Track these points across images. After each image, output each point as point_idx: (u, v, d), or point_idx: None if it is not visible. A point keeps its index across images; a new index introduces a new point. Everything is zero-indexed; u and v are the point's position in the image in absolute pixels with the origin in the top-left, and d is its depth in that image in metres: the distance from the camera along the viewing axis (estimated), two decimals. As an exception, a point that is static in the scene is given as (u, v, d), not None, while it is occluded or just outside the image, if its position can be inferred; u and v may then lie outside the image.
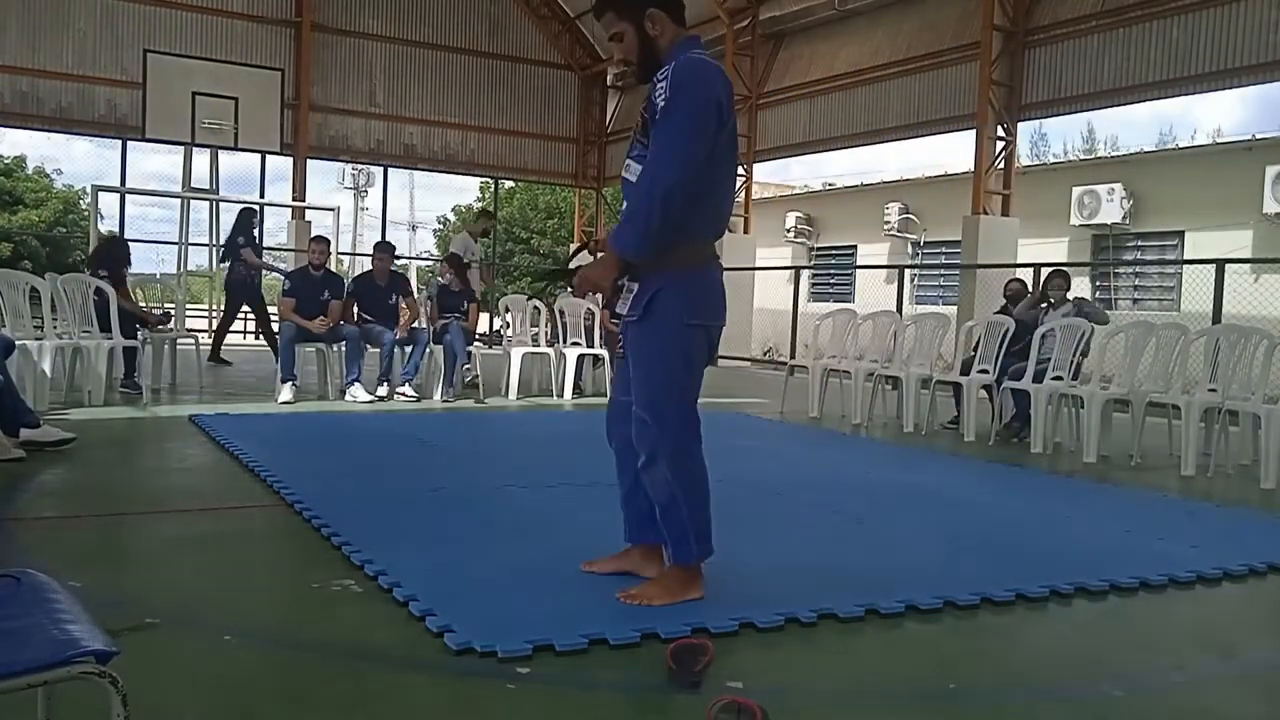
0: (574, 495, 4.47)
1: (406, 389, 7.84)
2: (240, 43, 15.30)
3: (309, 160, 15.99)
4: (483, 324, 10.11)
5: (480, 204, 34.40)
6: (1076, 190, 14.83)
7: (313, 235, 8.56)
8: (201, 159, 14.56)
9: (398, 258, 9.93)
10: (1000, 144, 11.54)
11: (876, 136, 13.82)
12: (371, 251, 8.65)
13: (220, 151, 14.35)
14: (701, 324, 2.72)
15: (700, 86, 2.57)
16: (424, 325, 8.32)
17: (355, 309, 7.97)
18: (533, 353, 9.00)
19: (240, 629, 2.56)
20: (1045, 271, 8.98)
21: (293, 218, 15.61)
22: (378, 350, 7.88)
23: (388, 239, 9.06)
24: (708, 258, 2.76)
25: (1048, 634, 2.91)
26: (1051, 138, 44.91)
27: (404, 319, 8.04)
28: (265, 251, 12.52)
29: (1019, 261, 10.90)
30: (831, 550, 3.62)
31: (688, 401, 2.75)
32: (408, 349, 7.96)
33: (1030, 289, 7.87)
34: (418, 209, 58.16)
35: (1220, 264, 8.03)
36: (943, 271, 17.14)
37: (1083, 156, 21.43)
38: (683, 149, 2.53)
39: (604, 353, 9.09)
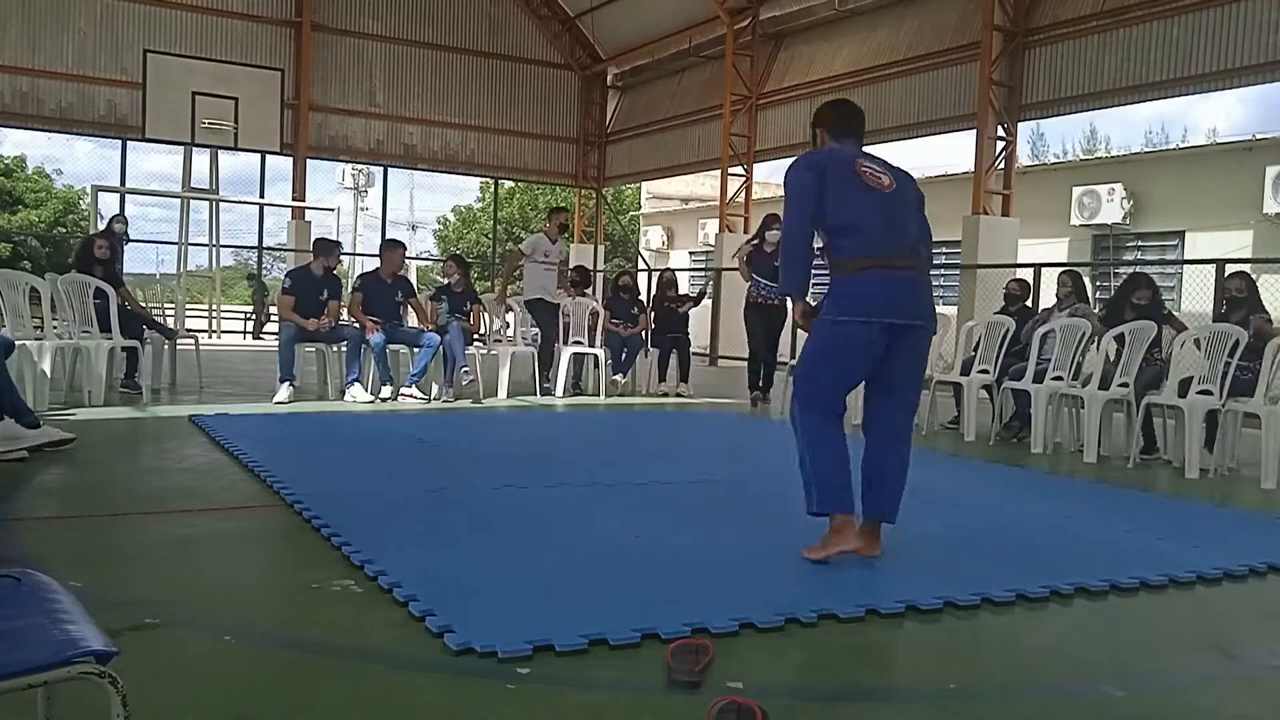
0: (574, 495, 4.46)
1: (414, 390, 7.85)
2: (240, 43, 15.31)
3: (309, 160, 16.00)
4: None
5: (481, 204, 34.43)
6: (1076, 190, 14.84)
7: (320, 239, 8.52)
8: (201, 159, 14.59)
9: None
10: (1000, 144, 11.54)
11: (877, 136, 13.79)
12: (380, 250, 8.65)
13: (220, 151, 14.38)
14: (848, 320, 3.30)
15: (791, 172, 3.46)
16: (424, 326, 8.33)
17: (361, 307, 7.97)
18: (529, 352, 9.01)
19: (240, 629, 2.55)
20: (1046, 272, 8.98)
21: (293, 218, 15.61)
22: (415, 350, 7.95)
23: (389, 238, 9.05)
24: (859, 268, 3.33)
25: (1048, 634, 2.91)
26: (1051, 138, 44.89)
27: (417, 319, 8.07)
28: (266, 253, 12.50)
29: (1019, 261, 10.90)
30: (831, 550, 3.61)
31: (815, 380, 3.40)
32: (414, 350, 7.98)
33: (1030, 289, 7.88)
34: (418, 209, 58.17)
35: (1220, 264, 8.03)
36: (943, 271, 17.14)
37: (1083, 156, 21.42)
38: (786, 221, 3.50)
39: (604, 353, 9.10)
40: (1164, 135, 32.53)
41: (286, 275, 8.06)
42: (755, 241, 8.50)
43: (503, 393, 8.40)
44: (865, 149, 3.59)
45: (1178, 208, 13.95)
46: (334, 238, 8.79)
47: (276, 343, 7.86)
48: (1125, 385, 6.23)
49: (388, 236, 10.44)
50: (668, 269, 11.51)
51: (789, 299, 3.64)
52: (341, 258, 9.15)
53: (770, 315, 8.45)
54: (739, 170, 14.97)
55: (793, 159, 3.54)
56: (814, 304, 3.53)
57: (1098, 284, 14.66)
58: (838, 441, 3.36)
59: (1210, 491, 5.30)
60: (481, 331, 8.87)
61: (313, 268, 7.90)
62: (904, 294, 3.33)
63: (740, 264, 8.54)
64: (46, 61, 14.28)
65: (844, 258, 3.36)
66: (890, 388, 3.42)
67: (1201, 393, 5.82)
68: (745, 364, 8.95)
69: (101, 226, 14.79)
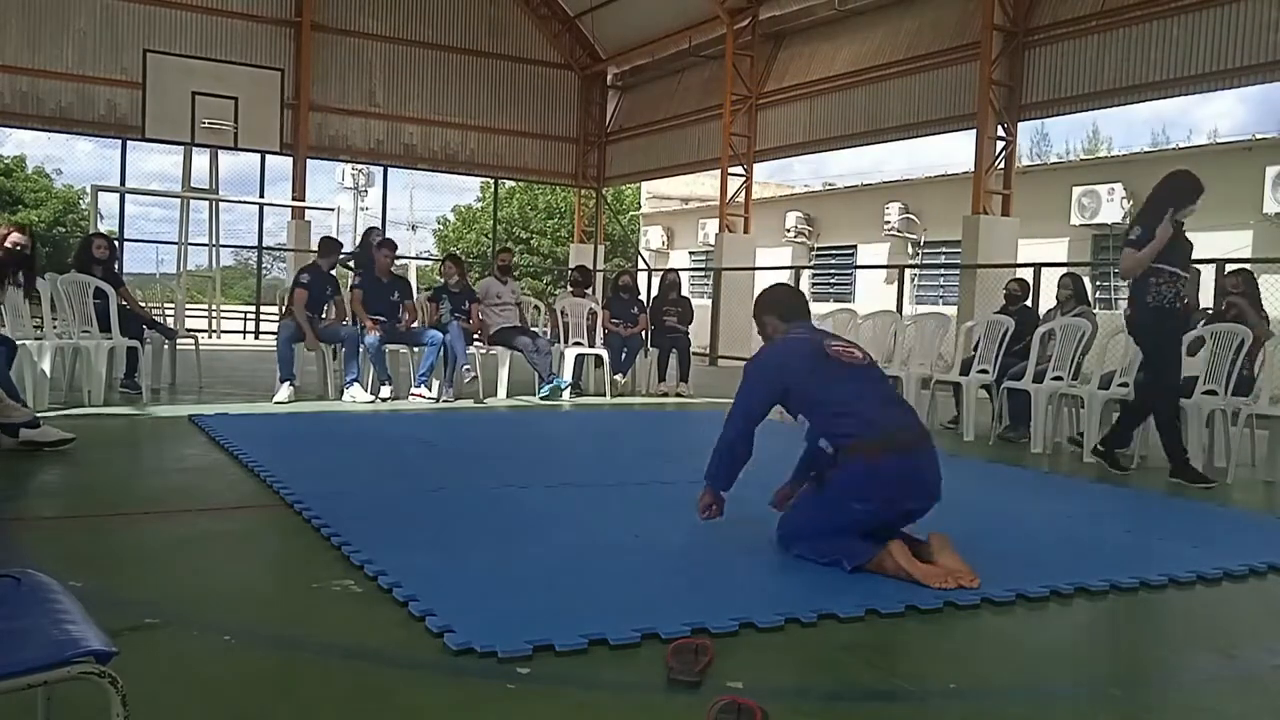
0: (574, 495, 4.46)
1: (422, 390, 7.84)
2: (240, 43, 15.30)
3: (309, 160, 15.99)
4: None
5: (481, 204, 34.42)
6: (1076, 190, 14.85)
7: (325, 237, 8.55)
8: (201, 159, 14.58)
9: (398, 257, 9.93)
10: (1000, 144, 11.54)
11: (876, 136, 13.82)
12: (374, 248, 8.65)
13: (220, 151, 14.37)
14: (861, 506, 3.26)
15: (752, 366, 3.65)
16: (424, 326, 8.32)
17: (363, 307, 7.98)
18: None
19: (240, 629, 2.55)
20: (1046, 272, 8.98)
21: (293, 218, 15.61)
22: (416, 350, 7.97)
23: (388, 238, 9.04)
24: (868, 453, 3.28)
25: (1048, 634, 2.91)
26: (1054, 138, 44.91)
27: (405, 320, 8.06)
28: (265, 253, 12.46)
29: (1019, 261, 10.90)
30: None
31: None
32: (416, 350, 7.98)
33: (1030, 289, 7.88)
34: (418, 209, 58.10)
35: (1220, 264, 8.03)
36: (943, 271, 17.15)
37: (1083, 156, 21.43)
38: (734, 414, 3.60)
39: (604, 353, 9.10)
40: (1164, 136, 32.55)
41: (302, 271, 8.00)
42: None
43: (502, 393, 8.40)
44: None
45: (1178, 208, 13.94)
46: (336, 237, 8.79)
47: (275, 342, 7.86)
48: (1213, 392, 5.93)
49: (384, 236, 10.38)
50: (671, 270, 11.43)
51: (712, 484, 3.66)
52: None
53: None
54: (739, 170, 14.97)
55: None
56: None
57: (1098, 284, 14.66)
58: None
59: (1211, 492, 5.29)
60: (481, 331, 8.87)
61: (321, 265, 7.94)
62: (910, 475, 3.32)
63: None
64: (46, 61, 14.27)
65: (853, 442, 3.31)
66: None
67: (1207, 392, 5.83)
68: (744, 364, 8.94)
69: (101, 226, 14.85)
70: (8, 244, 5.32)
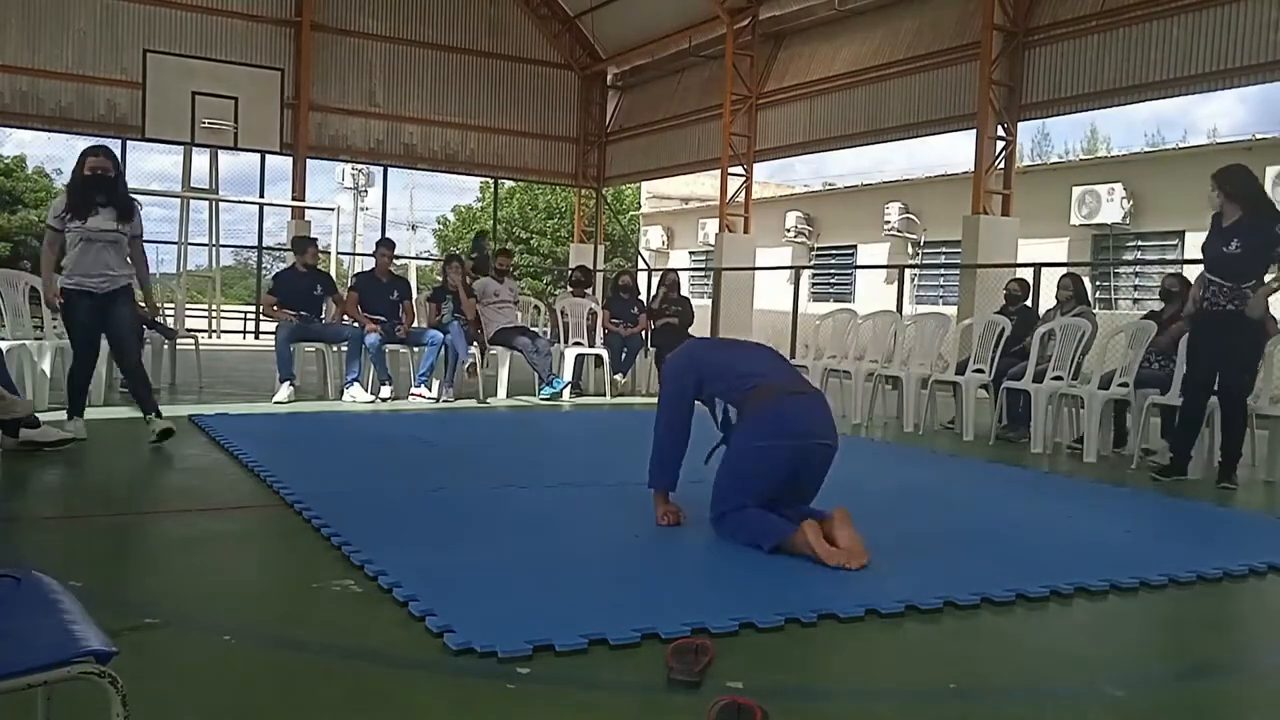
0: (574, 495, 4.47)
1: (422, 390, 7.85)
2: (240, 42, 15.30)
3: (309, 160, 15.99)
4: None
5: (481, 204, 34.42)
6: (1076, 190, 14.84)
7: (296, 236, 8.65)
8: (201, 159, 14.58)
9: (398, 257, 9.94)
10: (1000, 144, 11.53)
11: (876, 136, 13.81)
12: (374, 249, 8.67)
13: (220, 151, 14.36)
14: (766, 444, 3.49)
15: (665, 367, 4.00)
16: (423, 326, 8.33)
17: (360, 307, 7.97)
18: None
19: (240, 629, 2.55)
20: (1045, 272, 8.98)
21: (292, 217, 15.60)
22: (416, 350, 7.98)
23: (387, 238, 9.04)
24: (766, 397, 3.56)
25: (1048, 634, 2.91)
26: (1054, 138, 44.91)
27: (404, 322, 8.07)
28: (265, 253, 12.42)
29: (1019, 261, 10.90)
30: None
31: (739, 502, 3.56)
32: (416, 350, 7.98)
33: (1030, 289, 7.88)
34: (418, 209, 58.18)
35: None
36: (943, 271, 17.15)
37: (1083, 157, 21.44)
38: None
39: (604, 353, 9.10)
40: (1161, 136, 32.54)
41: (272, 277, 8.15)
42: None
43: (503, 393, 8.40)
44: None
45: (1178, 208, 13.95)
46: (309, 235, 8.84)
47: (274, 342, 7.86)
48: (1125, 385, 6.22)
49: (383, 236, 10.40)
50: (670, 270, 11.37)
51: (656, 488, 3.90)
52: (342, 258, 9.16)
53: None
54: (739, 170, 14.96)
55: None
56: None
57: (1098, 284, 14.66)
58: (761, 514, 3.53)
59: (1211, 491, 5.29)
60: (481, 331, 8.87)
61: (297, 266, 7.95)
62: (804, 415, 3.56)
63: None
64: (46, 61, 14.27)
65: (743, 400, 3.58)
66: (798, 499, 3.61)
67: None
68: None
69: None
70: (87, 170, 5.17)
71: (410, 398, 7.80)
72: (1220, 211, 5.06)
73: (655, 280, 10.78)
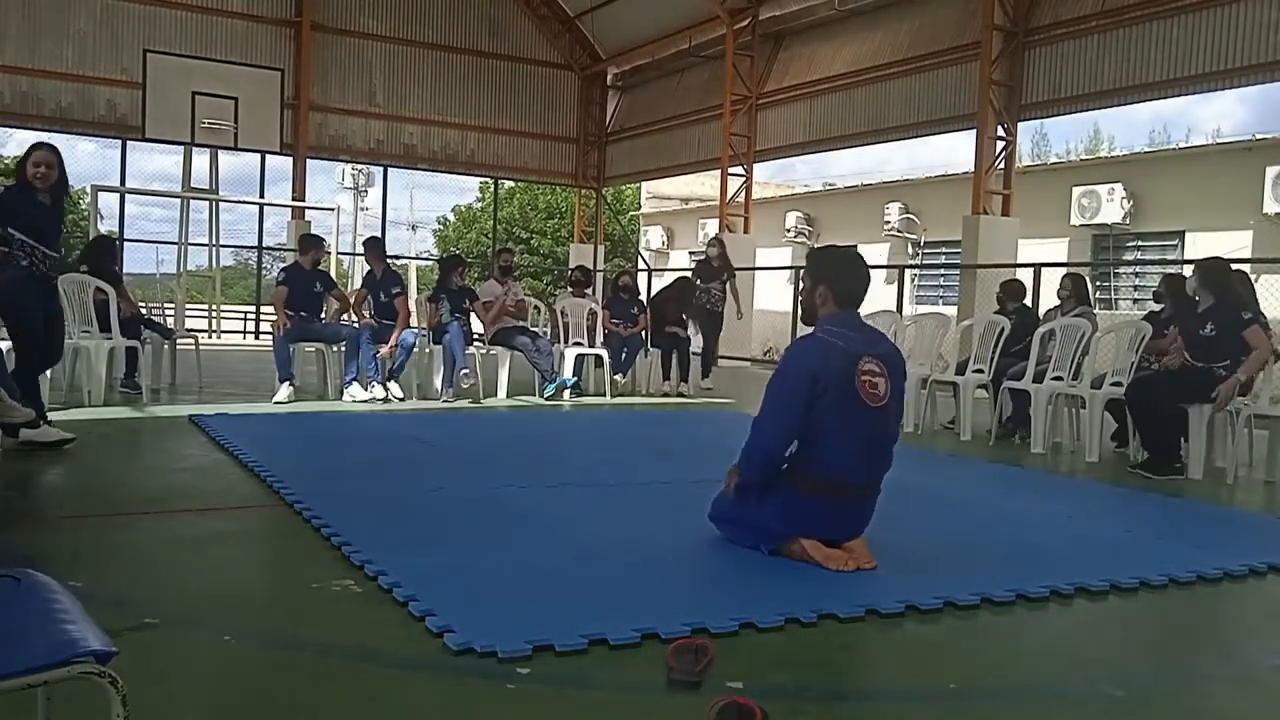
0: (574, 495, 4.47)
1: (355, 390, 7.54)
2: (240, 43, 15.30)
3: (309, 160, 15.99)
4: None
5: (481, 204, 34.41)
6: (1076, 190, 14.84)
7: (305, 234, 8.59)
8: (201, 159, 14.58)
9: (396, 257, 9.93)
10: (1000, 144, 11.54)
11: (876, 136, 13.82)
12: (363, 249, 8.64)
13: (220, 151, 14.37)
14: (785, 530, 3.32)
15: (786, 367, 3.35)
16: (423, 326, 8.32)
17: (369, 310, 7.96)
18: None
19: (240, 629, 2.56)
20: (1045, 272, 8.97)
21: (293, 218, 15.61)
22: (336, 347, 7.87)
23: (386, 238, 9.05)
24: (811, 490, 3.27)
25: (1048, 634, 2.91)
26: (1053, 138, 44.92)
27: (399, 317, 8.05)
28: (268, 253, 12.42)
29: (1019, 261, 10.90)
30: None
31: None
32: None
33: (1022, 292, 7.88)
34: (418, 209, 58.17)
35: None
36: (943, 271, 17.16)
37: (1083, 156, 21.44)
38: (763, 428, 3.34)
39: (604, 353, 9.10)
40: (1165, 135, 32.54)
41: (281, 270, 8.08)
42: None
43: (503, 393, 8.40)
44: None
45: (1178, 208, 13.96)
46: (318, 234, 8.79)
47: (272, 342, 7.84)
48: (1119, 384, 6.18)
49: (384, 237, 10.39)
50: (683, 276, 11.10)
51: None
52: (342, 258, 9.16)
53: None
54: (739, 170, 14.96)
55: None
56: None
57: (1098, 284, 14.66)
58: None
59: (1211, 492, 5.29)
60: (479, 331, 8.87)
61: (303, 263, 7.93)
62: (844, 522, 3.34)
63: None
64: (46, 61, 14.27)
65: (802, 473, 3.29)
66: None
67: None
68: (748, 363, 8.97)
69: (101, 227, 14.84)
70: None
71: (388, 395, 7.63)
72: (1197, 298, 5.74)
73: (659, 282, 10.77)
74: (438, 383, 8.07)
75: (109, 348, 6.92)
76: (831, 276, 3.38)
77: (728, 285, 10.34)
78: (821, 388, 3.19)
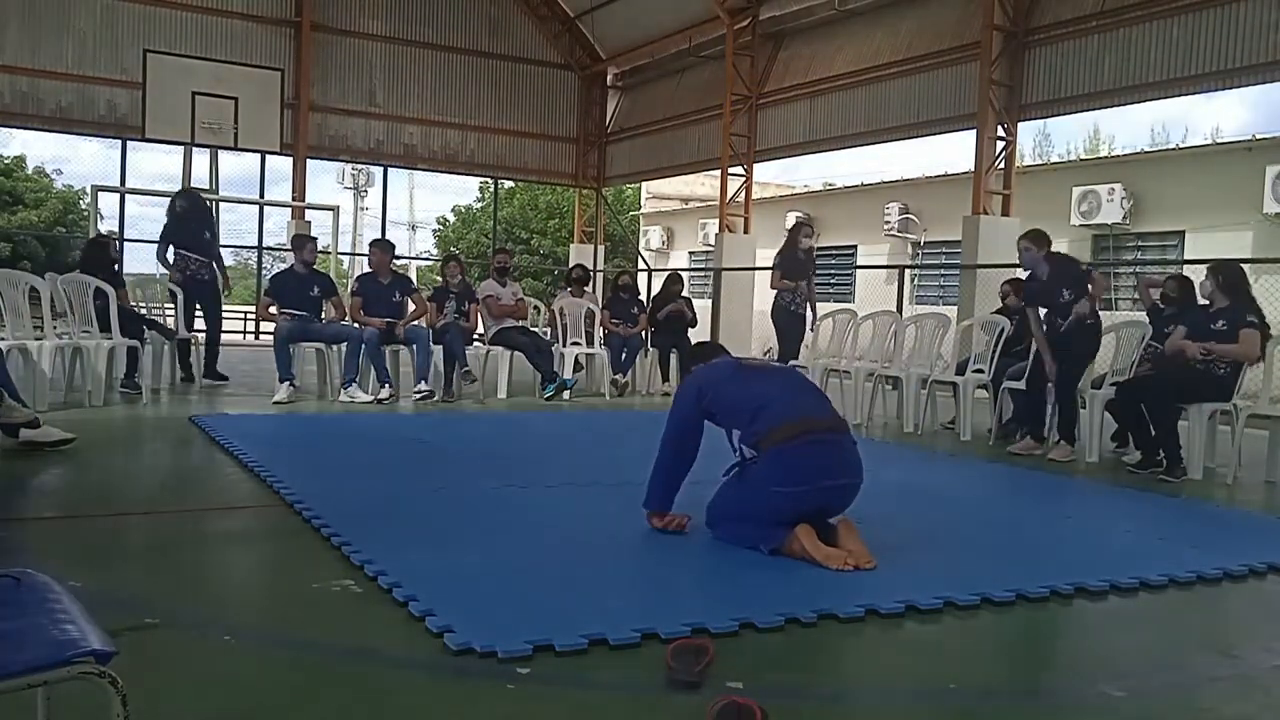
0: (574, 495, 4.47)
1: (422, 386, 7.81)
2: (240, 43, 15.29)
3: (309, 160, 15.99)
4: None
5: (481, 204, 34.42)
6: (1076, 190, 14.83)
7: (301, 235, 8.63)
8: (201, 159, 14.57)
9: (398, 257, 9.93)
10: (1000, 144, 11.53)
11: (877, 136, 13.81)
12: (368, 249, 8.65)
13: (220, 151, 14.36)
14: (788, 490, 3.36)
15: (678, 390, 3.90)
16: (423, 325, 8.32)
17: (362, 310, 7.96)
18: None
19: (240, 629, 2.55)
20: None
21: (292, 217, 15.61)
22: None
23: (387, 237, 9.05)
24: (785, 437, 3.41)
25: (1048, 634, 2.91)
26: (1056, 138, 44.93)
27: (409, 314, 8.04)
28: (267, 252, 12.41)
29: (1019, 262, 10.88)
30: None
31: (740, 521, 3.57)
32: (411, 348, 7.97)
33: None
34: (418, 209, 58.07)
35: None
36: (943, 271, 17.15)
37: (1083, 156, 21.45)
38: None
39: (604, 352, 9.10)
40: (1165, 135, 32.51)
41: (270, 279, 8.13)
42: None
43: (503, 393, 8.40)
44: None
45: (1178, 208, 13.95)
46: (308, 234, 8.82)
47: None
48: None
49: (384, 237, 10.37)
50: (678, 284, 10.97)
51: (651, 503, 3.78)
52: (342, 258, 9.16)
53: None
54: (739, 170, 14.96)
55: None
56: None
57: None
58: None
59: (1210, 492, 5.29)
60: (480, 331, 8.87)
61: (295, 267, 7.93)
62: (829, 455, 3.42)
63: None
64: (46, 61, 14.26)
65: (770, 431, 3.43)
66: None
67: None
68: None
69: (102, 227, 14.83)
70: None
71: (341, 399, 7.57)
72: (1211, 299, 5.88)
73: (659, 283, 10.70)
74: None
75: (109, 348, 6.92)
76: (695, 360, 4.06)
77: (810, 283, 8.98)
78: (713, 383, 3.68)
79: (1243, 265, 6.19)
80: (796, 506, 3.34)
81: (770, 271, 8.96)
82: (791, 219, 20.44)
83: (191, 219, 8.37)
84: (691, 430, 3.66)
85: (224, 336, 10.32)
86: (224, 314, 9.16)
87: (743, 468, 3.52)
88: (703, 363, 3.93)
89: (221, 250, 9.03)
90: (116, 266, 8.09)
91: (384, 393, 7.65)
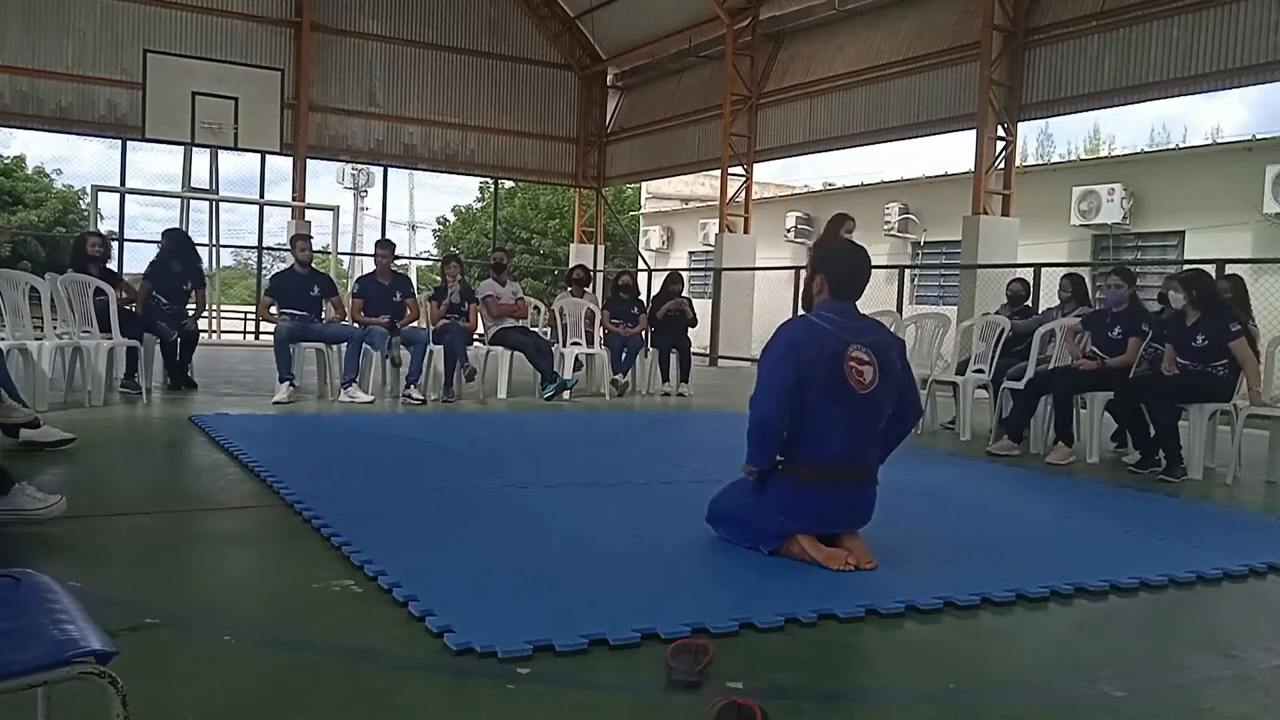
0: (574, 495, 4.46)
1: (413, 391, 7.75)
2: (240, 43, 15.31)
3: (309, 160, 16.00)
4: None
5: (481, 204, 34.42)
6: (1076, 190, 14.83)
7: (296, 234, 8.63)
8: (201, 159, 14.60)
9: (398, 258, 9.92)
10: (1000, 144, 11.54)
11: (877, 136, 13.82)
12: (374, 249, 8.65)
13: (220, 151, 14.37)
14: (787, 521, 3.33)
15: (774, 348, 3.36)
16: (423, 326, 8.32)
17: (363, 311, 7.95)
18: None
19: (240, 629, 2.55)
20: (1045, 272, 8.97)
21: (293, 217, 15.62)
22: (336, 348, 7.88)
23: (388, 238, 9.04)
24: (807, 478, 3.32)
25: (1048, 634, 2.91)
26: (1057, 138, 44.90)
27: (409, 316, 8.03)
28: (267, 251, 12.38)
29: (1019, 261, 10.90)
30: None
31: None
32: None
33: (1031, 290, 7.89)
34: (418, 209, 58.06)
35: (1220, 264, 8.03)
36: (943, 271, 17.15)
37: (1083, 156, 21.45)
38: (758, 402, 3.34)
39: (604, 352, 9.10)
40: (1165, 135, 32.50)
41: (270, 279, 8.10)
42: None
43: (503, 393, 8.40)
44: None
45: (1178, 208, 13.95)
46: (305, 233, 8.80)
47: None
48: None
49: (383, 237, 10.37)
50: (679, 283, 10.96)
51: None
52: (342, 258, 9.16)
53: None
54: (739, 170, 14.97)
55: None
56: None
57: (1098, 284, 14.64)
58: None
59: (1210, 492, 5.29)
60: (480, 331, 8.87)
61: (295, 267, 7.92)
62: (842, 507, 3.36)
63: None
64: (46, 61, 14.28)
65: (795, 462, 3.35)
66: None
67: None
68: (745, 364, 8.95)
69: (102, 227, 14.84)
70: None
71: (402, 399, 7.65)
72: (1184, 311, 5.80)
73: (659, 283, 10.68)
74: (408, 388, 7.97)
75: (109, 348, 6.91)
76: (831, 268, 3.48)
77: None
78: (808, 366, 3.24)
79: (1207, 271, 6.21)
80: (800, 531, 3.35)
81: (809, 261, 8.88)
82: (792, 219, 20.46)
83: (172, 259, 8.11)
84: (788, 386, 3.27)
85: (224, 336, 10.30)
86: (223, 314, 9.13)
87: (762, 473, 3.41)
88: (828, 286, 3.40)
89: (205, 282, 8.75)
90: (109, 264, 8.04)
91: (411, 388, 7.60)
